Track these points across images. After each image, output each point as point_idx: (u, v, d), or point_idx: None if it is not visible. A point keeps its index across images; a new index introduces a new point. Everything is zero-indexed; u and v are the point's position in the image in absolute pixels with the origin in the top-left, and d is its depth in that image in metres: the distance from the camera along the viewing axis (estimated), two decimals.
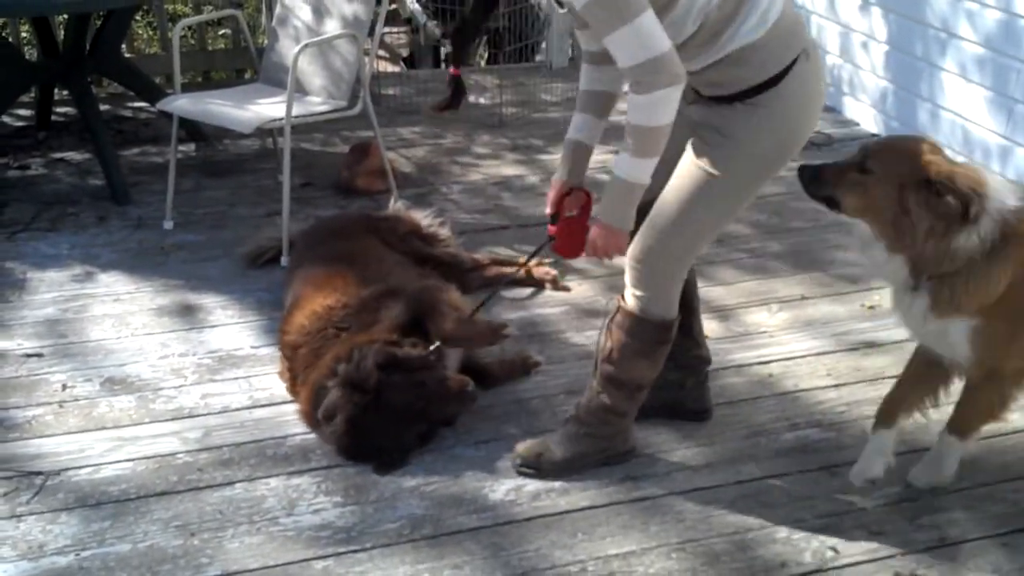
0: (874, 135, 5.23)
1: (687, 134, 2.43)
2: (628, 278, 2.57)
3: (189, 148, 5.03)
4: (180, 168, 4.37)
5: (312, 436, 2.93)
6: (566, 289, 3.71)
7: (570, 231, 2.66)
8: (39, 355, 3.32)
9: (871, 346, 3.35)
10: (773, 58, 2.29)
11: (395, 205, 3.94)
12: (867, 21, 5.23)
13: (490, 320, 3.21)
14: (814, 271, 3.88)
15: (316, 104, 4.10)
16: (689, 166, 2.42)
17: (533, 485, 2.73)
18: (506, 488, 2.72)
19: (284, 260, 3.83)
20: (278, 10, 4.35)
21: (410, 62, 7.63)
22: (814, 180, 2.41)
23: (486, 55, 8.19)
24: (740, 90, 2.31)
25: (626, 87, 2.23)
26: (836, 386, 3.14)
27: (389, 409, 2.77)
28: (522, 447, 2.79)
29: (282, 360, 3.11)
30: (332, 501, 2.68)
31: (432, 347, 2.89)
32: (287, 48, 4.26)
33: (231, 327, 3.50)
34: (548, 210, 2.68)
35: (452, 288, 3.21)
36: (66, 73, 4.64)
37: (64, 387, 3.15)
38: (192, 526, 2.59)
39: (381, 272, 3.24)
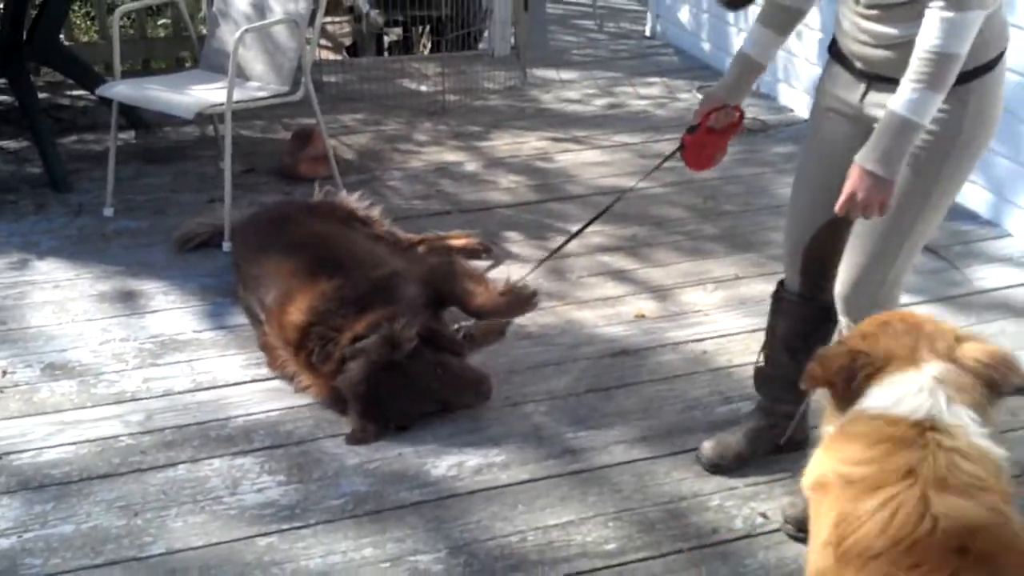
0: (807, 121, 5.35)
1: (854, 134, 2.26)
2: (845, 314, 2.38)
3: (129, 136, 5.00)
4: (120, 155, 4.35)
5: (256, 417, 2.96)
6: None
7: (704, 143, 2.52)
8: None
9: None
10: (993, 41, 2.12)
11: (324, 190, 3.97)
12: None
13: (523, 287, 3.31)
14: (748, 252, 3.98)
15: (256, 89, 4.11)
16: None
17: (474, 460, 2.79)
18: (448, 464, 2.78)
19: (226, 246, 3.85)
20: (216, 1, 4.34)
21: (352, 51, 7.63)
22: None
23: (429, 44, 8.21)
24: None
25: (932, 3, 1.98)
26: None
27: (412, 378, 2.87)
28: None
29: (278, 346, 3.10)
30: (276, 480, 2.72)
31: (460, 332, 3.04)
32: (227, 34, 4.26)
33: (173, 312, 3.51)
34: (694, 121, 2.52)
35: (460, 259, 3.33)
36: (3, 61, 4.59)
37: (4, 373, 3.14)
38: (135, 506, 2.61)
39: (365, 253, 3.32)
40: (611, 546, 2.49)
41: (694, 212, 4.31)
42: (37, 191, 4.40)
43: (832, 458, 1.75)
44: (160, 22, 7.20)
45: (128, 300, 3.59)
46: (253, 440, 2.87)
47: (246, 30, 3.83)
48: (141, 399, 3.04)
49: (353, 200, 3.81)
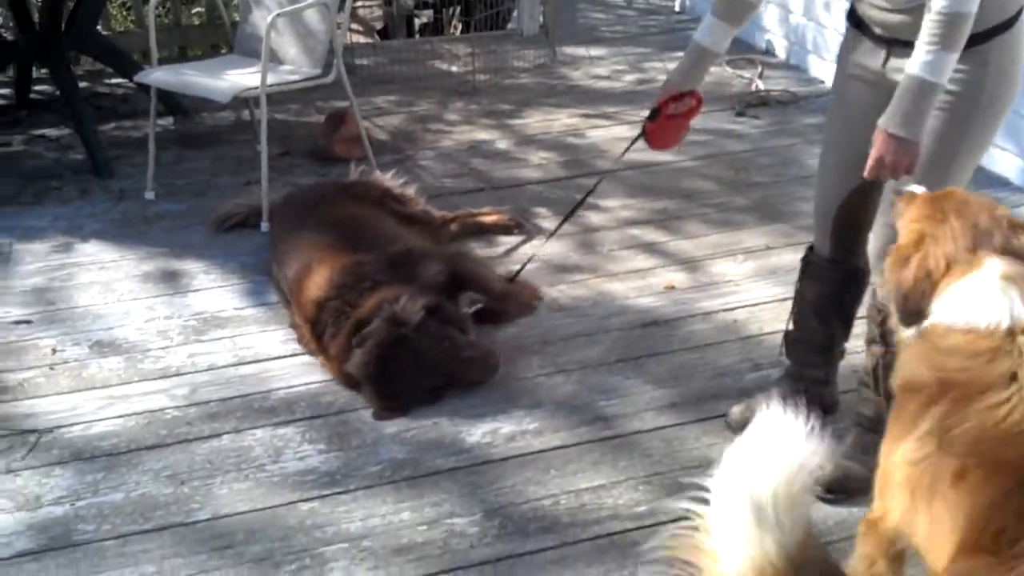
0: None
1: (878, 99, 2.25)
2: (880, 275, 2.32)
3: (168, 122, 5.11)
4: (160, 141, 4.46)
5: (296, 389, 3.05)
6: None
7: (666, 128, 2.70)
8: (28, 322, 3.42)
9: None
10: (1008, 1, 2.16)
11: (359, 170, 4.05)
12: None
13: (530, 286, 3.45)
14: (778, 223, 4.00)
15: (290, 73, 4.19)
16: None
17: (508, 428, 2.86)
18: (482, 431, 2.85)
19: (264, 226, 3.94)
20: None
21: (384, 34, 7.70)
22: None
23: (459, 25, 8.26)
24: (971, 31, 2.09)
25: None
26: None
27: (419, 352, 2.93)
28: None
29: (300, 323, 3.20)
30: (316, 448, 2.80)
31: (472, 309, 3.11)
32: (260, 19, 4.34)
33: (214, 290, 3.61)
34: (651, 105, 2.69)
35: (475, 254, 3.47)
36: (43, 51, 4.72)
37: (54, 351, 3.26)
38: (182, 475, 2.71)
39: (389, 232, 3.41)
40: (641, 508, 2.55)
41: (724, 184, 4.34)
42: (80, 177, 4.52)
43: (926, 365, 1.82)
44: (194, 10, 7.31)
45: (171, 280, 3.69)
46: (295, 411, 2.96)
47: (278, 14, 3.90)
48: (186, 373, 3.14)
49: (388, 179, 3.88)
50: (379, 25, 7.92)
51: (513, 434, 2.84)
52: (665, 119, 2.68)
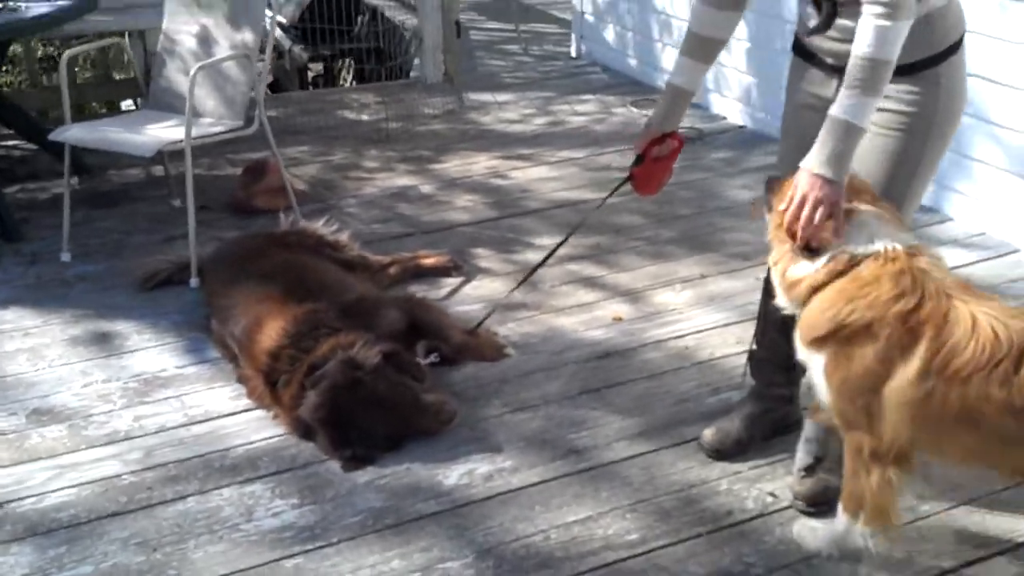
0: (741, 127, 5.56)
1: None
2: None
3: (74, 181, 4.89)
4: (71, 202, 4.28)
5: (257, 445, 2.95)
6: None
7: (652, 171, 2.72)
8: None
9: None
10: (955, 27, 2.30)
11: (289, 219, 3.99)
12: None
13: (494, 336, 3.41)
14: (707, 252, 4.11)
15: (211, 125, 4.10)
16: (877, 161, 2.34)
17: (484, 468, 2.83)
18: (458, 473, 2.81)
19: (194, 282, 3.83)
20: (162, 40, 4.32)
21: (274, 88, 7.62)
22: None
23: (349, 76, 8.26)
24: (924, 57, 2.24)
25: (869, 12, 2.10)
26: (747, 351, 3.34)
27: (374, 396, 2.86)
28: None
29: (252, 375, 3.10)
30: (289, 503, 2.71)
31: (428, 360, 3.07)
32: (174, 72, 4.26)
33: (150, 350, 3.47)
34: (635, 151, 2.70)
35: (431, 302, 3.43)
36: None
37: None
38: (152, 542, 2.58)
39: (334, 280, 3.36)
40: (633, 536, 2.55)
41: (650, 218, 4.43)
42: None
43: (855, 303, 2.12)
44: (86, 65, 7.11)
45: (103, 342, 3.53)
46: (259, 467, 2.86)
47: (200, 66, 3.82)
48: (136, 437, 3.00)
49: (320, 227, 3.83)
50: (269, 79, 7.85)
51: (490, 473, 2.81)
52: (651, 163, 2.69)
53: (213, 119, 4.15)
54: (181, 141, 3.81)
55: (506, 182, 4.92)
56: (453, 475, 2.81)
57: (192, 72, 3.78)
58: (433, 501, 2.70)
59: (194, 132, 3.90)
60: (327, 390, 2.86)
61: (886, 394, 2.11)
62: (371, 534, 2.59)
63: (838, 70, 2.34)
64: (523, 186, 4.85)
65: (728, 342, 3.42)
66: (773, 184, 2.38)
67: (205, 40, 4.19)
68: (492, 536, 2.57)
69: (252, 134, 4.18)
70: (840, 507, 2.35)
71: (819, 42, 2.42)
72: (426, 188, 4.87)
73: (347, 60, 8.27)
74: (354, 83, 7.76)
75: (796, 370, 2.88)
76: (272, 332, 3.07)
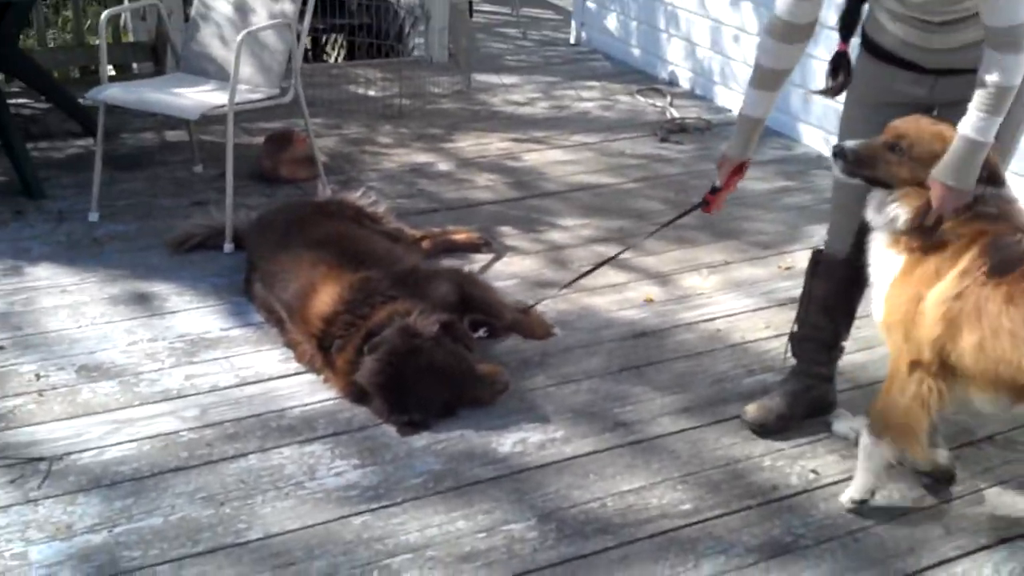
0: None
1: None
2: None
3: (88, 142, 4.90)
4: (88, 162, 4.29)
5: (312, 407, 3.01)
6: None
7: (722, 196, 2.98)
8: (0, 347, 3.23)
9: (796, 301, 3.69)
10: None
11: (326, 189, 4.04)
12: (738, 16, 5.68)
13: (542, 319, 3.45)
14: (728, 239, 4.22)
15: (248, 92, 4.13)
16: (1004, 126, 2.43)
17: (536, 436, 2.92)
18: (511, 441, 2.90)
19: (228, 247, 3.87)
20: (197, 4, 4.34)
21: None
22: (857, 161, 2.51)
23: (335, 52, 8.23)
24: None
25: (992, 49, 2.27)
26: (777, 336, 3.46)
27: (431, 365, 2.92)
28: None
29: (303, 339, 3.15)
30: (350, 464, 2.78)
31: (478, 334, 3.14)
32: (209, 38, 4.27)
33: (193, 312, 3.51)
34: (718, 182, 2.93)
35: (481, 278, 3.54)
36: None
37: (38, 376, 3.09)
38: (218, 496, 2.63)
39: (383, 250, 3.41)
40: (686, 506, 2.66)
41: (669, 204, 4.53)
42: (10, 199, 4.28)
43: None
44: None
45: (143, 302, 3.56)
46: (316, 428, 2.92)
47: (248, 32, 3.84)
48: (189, 395, 3.05)
49: (359, 198, 3.87)
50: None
51: (542, 442, 2.90)
52: (725, 190, 2.96)
53: (250, 86, 4.17)
54: (224, 106, 3.84)
55: (521, 164, 4.99)
56: (507, 443, 2.89)
57: (239, 38, 3.80)
58: (490, 467, 2.79)
59: (236, 98, 3.93)
60: (386, 355, 2.92)
61: (928, 298, 2.37)
62: (433, 495, 2.67)
63: (935, 71, 2.53)
64: (539, 168, 4.93)
65: (758, 327, 3.54)
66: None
67: (242, 7, 4.21)
68: (550, 501, 2.66)
69: (288, 103, 4.22)
70: (866, 422, 2.57)
71: (911, 53, 2.55)
72: (444, 166, 4.93)
73: (335, 36, 8.25)
74: (342, 59, 7.73)
75: (837, 349, 3.03)
76: (327, 298, 3.12)
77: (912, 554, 2.51)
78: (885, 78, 2.63)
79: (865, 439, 2.57)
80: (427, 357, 2.94)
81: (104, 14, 4.04)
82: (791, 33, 2.62)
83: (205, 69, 4.23)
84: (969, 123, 2.34)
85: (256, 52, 4.16)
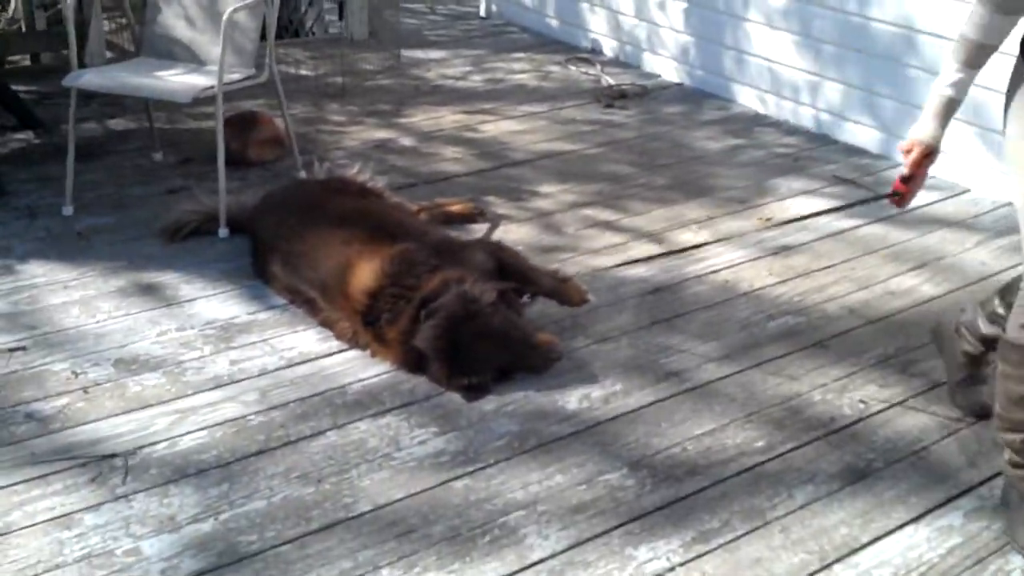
0: (679, 84, 5.88)
1: None
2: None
3: (28, 136, 4.68)
4: (37, 155, 4.17)
5: (370, 381, 3.01)
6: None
7: (917, 186, 2.65)
8: (23, 348, 3.09)
9: (787, 248, 3.91)
10: None
11: (323, 167, 4.00)
12: None
13: (576, 284, 3.45)
14: (703, 196, 4.40)
15: (227, 73, 4.01)
16: None
17: (597, 392, 3.01)
18: (576, 398, 2.98)
19: (223, 232, 3.79)
20: None
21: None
22: None
23: None
24: None
25: None
26: (782, 282, 3.66)
27: (490, 330, 2.96)
28: None
29: (343, 317, 3.15)
30: (430, 432, 2.80)
31: (523, 301, 3.16)
32: (172, 19, 4.14)
33: (212, 299, 3.43)
34: (906, 171, 2.60)
35: (511, 247, 3.54)
36: None
37: (75, 374, 2.98)
38: (312, 474, 2.62)
39: (406, 223, 3.40)
40: (760, 443, 2.81)
41: (638, 167, 4.68)
42: None
43: None
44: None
45: (154, 292, 3.46)
46: (383, 401, 2.93)
47: (235, 9, 3.74)
48: (242, 380, 3.00)
49: (357, 173, 3.85)
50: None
51: (605, 397, 2.99)
52: (917, 179, 2.64)
53: (227, 68, 4.05)
54: (213, 87, 3.74)
55: (481, 135, 5.04)
56: (572, 400, 2.97)
57: (224, 18, 3.69)
58: (565, 423, 2.87)
59: (212, 81, 3.83)
60: (445, 319, 2.95)
61: None
62: (522, 455, 2.73)
63: None
64: (500, 139, 4.99)
65: (760, 275, 3.72)
66: None
67: None
68: (634, 451, 2.76)
69: (265, 82, 4.15)
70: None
71: None
72: (406, 141, 4.92)
73: None
74: None
75: None
76: (368, 272, 3.11)
77: (974, 467, 2.73)
78: None
79: None
80: (486, 322, 2.98)
81: None
82: (1012, 5, 2.35)
83: (170, 51, 4.11)
84: None
85: (229, 33, 4.05)
